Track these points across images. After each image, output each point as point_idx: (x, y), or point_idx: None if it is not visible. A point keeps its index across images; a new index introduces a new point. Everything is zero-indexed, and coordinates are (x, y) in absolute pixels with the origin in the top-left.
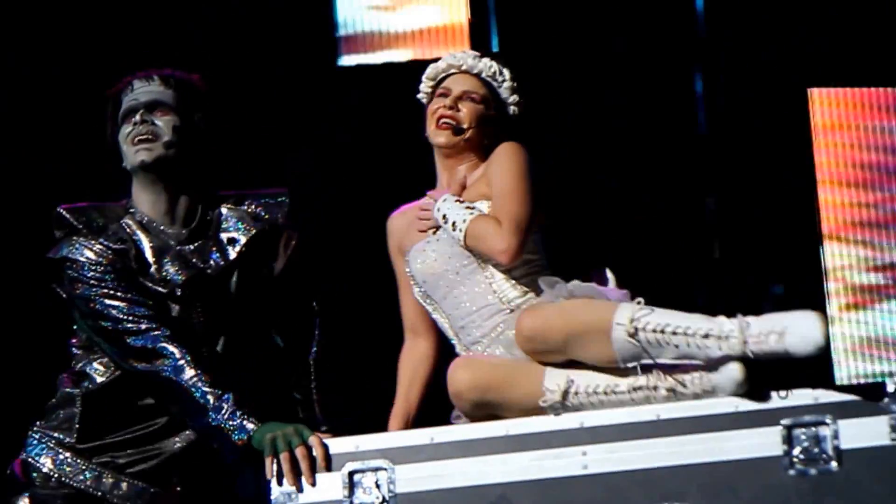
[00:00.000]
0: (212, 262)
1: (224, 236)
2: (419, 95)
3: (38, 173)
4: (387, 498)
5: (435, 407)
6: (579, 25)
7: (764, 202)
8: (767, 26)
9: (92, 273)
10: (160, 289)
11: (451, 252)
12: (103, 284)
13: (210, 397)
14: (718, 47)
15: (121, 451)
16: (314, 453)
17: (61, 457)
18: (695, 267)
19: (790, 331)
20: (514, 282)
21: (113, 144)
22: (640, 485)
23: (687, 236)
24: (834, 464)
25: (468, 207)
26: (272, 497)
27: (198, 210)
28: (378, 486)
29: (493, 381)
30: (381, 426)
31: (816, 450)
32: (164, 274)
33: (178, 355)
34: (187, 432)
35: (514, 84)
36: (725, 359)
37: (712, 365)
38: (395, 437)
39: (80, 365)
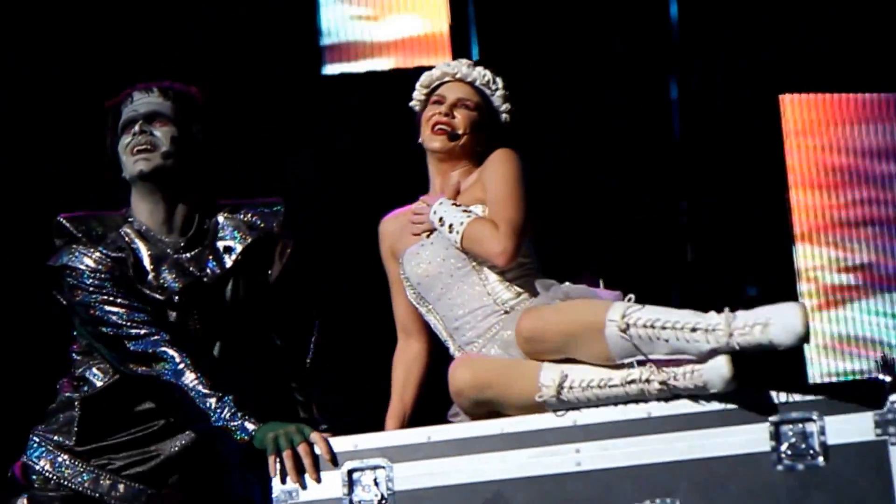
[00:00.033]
0: (208, 270)
1: (220, 245)
2: (412, 103)
3: (39, 183)
4: (385, 495)
5: (431, 406)
6: (557, 35)
7: (737, 206)
8: (739, 35)
9: (91, 280)
10: (157, 296)
11: (446, 254)
12: (102, 291)
13: (210, 399)
14: (692, 55)
15: (118, 453)
16: (316, 450)
17: (60, 459)
18: (669, 270)
19: (773, 321)
20: (507, 283)
21: (112, 154)
22: (632, 481)
23: (661, 240)
24: (821, 459)
25: (465, 211)
26: (274, 495)
27: (195, 219)
28: (377, 484)
29: (492, 379)
30: (379, 426)
31: (803, 446)
32: (161, 281)
33: (177, 359)
34: (183, 435)
35: (507, 93)
36: (714, 354)
37: (702, 360)
38: (393, 436)
39: (80, 370)
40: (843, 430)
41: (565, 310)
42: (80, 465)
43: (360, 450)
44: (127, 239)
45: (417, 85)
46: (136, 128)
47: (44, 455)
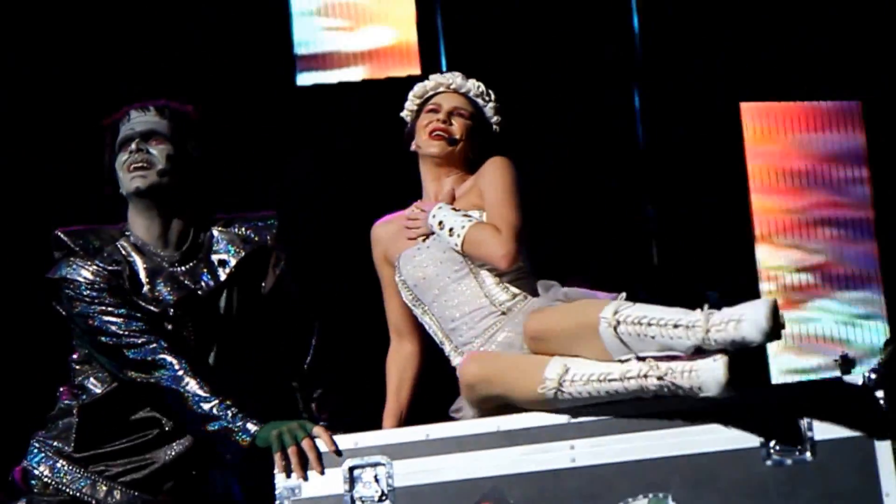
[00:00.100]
0: (203, 283)
1: (215, 258)
2: (403, 113)
3: (40, 195)
4: (385, 492)
5: (429, 404)
6: (522, 47)
7: (700, 210)
8: (700, 45)
9: (89, 292)
10: (153, 308)
11: (443, 257)
12: (100, 302)
13: (210, 404)
14: (654, 66)
15: (115, 460)
16: (320, 445)
17: (59, 465)
18: (635, 273)
19: (745, 318)
20: (504, 285)
21: (110, 171)
22: (626, 476)
23: (627, 244)
24: (808, 454)
25: (465, 215)
26: (277, 491)
27: (190, 233)
28: (377, 481)
29: (500, 373)
30: (379, 424)
31: (792, 441)
32: (156, 294)
33: (176, 365)
34: (178, 443)
35: (498, 105)
36: (699, 351)
37: (689, 358)
38: (392, 434)
39: (79, 379)
40: (831, 426)
41: (566, 310)
42: (78, 471)
43: (361, 447)
44: (123, 252)
45: (410, 95)
46: (133, 146)
47: (43, 461)
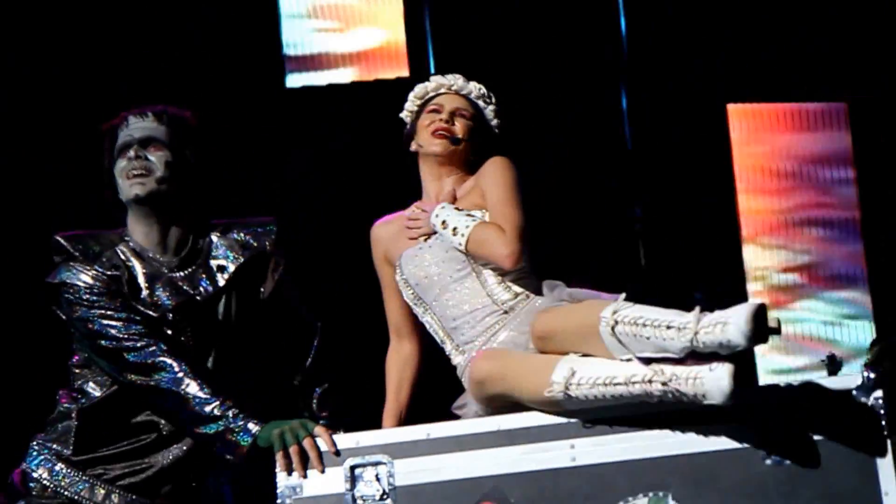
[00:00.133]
0: (201, 288)
1: (214, 263)
2: (402, 114)
3: (40, 198)
4: (386, 490)
5: (429, 403)
6: (510, 49)
7: (687, 211)
8: (687, 47)
9: (88, 296)
10: (151, 313)
11: (446, 257)
12: (100, 306)
13: (211, 405)
14: (641, 68)
15: (113, 464)
16: (320, 444)
17: (57, 468)
18: (622, 273)
19: (732, 321)
20: (506, 284)
21: (109, 176)
22: (626, 475)
23: (614, 244)
24: (808, 454)
25: (468, 215)
26: (278, 490)
27: (189, 239)
28: (378, 480)
29: (510, 371)
30: (379, 424)
31: (789, 441)
32: (155, 299)
33: (176, 368)
34: (176, 447)
35: (498, 108)
36: (691, 353)
37: (682, 360)
38: (393, 434)
39: (79, 383)
40: (831, 426)
41: (571, 310)
42: (76, 474)
43: (362, 447)
44: (123, 257)
45: (410, 96)
46: (132, 152)
47: (42, 463)
